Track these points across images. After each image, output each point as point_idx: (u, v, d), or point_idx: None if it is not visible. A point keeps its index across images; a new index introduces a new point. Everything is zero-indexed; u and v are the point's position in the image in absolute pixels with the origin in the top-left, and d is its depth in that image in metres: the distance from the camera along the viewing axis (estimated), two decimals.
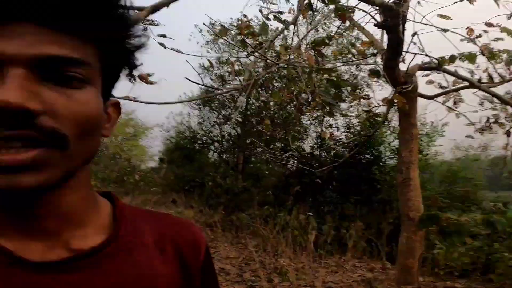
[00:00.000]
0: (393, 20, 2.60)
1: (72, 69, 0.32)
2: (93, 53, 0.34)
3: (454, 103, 3.53)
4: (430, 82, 3.47)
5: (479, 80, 2.95)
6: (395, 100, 2.69)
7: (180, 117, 11.91)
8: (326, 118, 6.99)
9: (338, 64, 4.07)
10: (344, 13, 2.01)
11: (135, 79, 1.72)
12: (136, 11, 1.66)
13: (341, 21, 2.29)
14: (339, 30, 3.07)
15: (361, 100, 3.39)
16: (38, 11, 0.31)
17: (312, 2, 2.10)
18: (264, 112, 8.53)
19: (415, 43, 3.07)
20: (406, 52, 3.13)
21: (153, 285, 0.40)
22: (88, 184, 0.41)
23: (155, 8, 1.64)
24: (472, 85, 2.94)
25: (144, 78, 1.72)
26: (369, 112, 3.18)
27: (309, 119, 7.89)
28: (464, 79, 2.96)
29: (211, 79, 9.74)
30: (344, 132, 6.83)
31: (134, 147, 15.58)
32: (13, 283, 0.34)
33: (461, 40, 3.14)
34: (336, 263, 3.87)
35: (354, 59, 3.84)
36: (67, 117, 0.32)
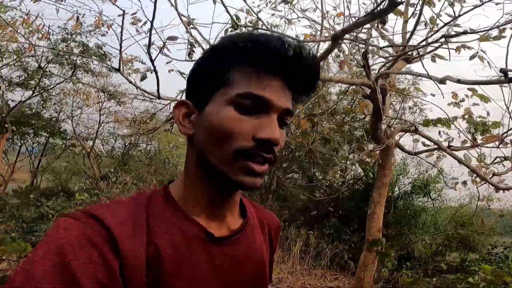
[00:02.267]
0: (374, 94, 3.51)
1: (288, 118, 0.52)
2: None
3: (437, 157, 4.25)
4: (416, 140, 4.26)
5: (449, 145, 3.63)
6: (372, 155, 3.59)
7: None
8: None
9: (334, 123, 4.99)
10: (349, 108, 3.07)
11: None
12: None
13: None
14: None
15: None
16: (293, 79, 0.50)
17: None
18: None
19: (401, 110, 3.91)
20: (394, 118, 3.99)
21: (262, 254, 0.59)
22: None
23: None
24: (439, 147, 3.64)
25: None
26: (361, 161, 4.08)
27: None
28: (434, 142, 3.67)
29: None
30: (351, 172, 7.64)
31: (182, 155, 17.41)
32: (208, 250, 0.50)
33: (448, 104, 3.87)
34: (322, 273, 4.72)
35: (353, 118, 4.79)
36: (279, 147, 0.50)
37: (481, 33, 3.00)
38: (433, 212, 6.31)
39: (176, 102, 0.55)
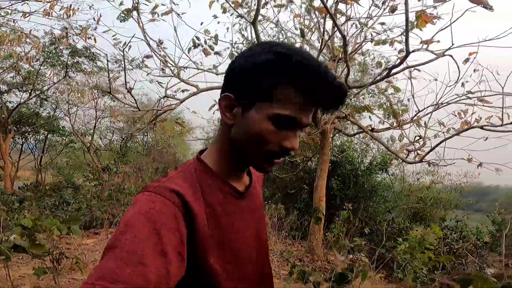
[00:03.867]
0: None
1: (305, 128, 0.64)
2: None
3: (370, 139, 5.11)
4: (353, 124, 5.10)
5: (372, 128, 4.43)
6: (311, 137, 4.45)
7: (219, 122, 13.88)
8: None
9: None
10: None
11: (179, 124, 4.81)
12: (173, 104, 3.82)
13: None
14: None
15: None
16: (328, 104, 0.61)
17: None
18: None
19: None
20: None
21: (261, 199, 0.80)
22: None
23: (182, 101, 3.83)
24: (363, 130, 4.48)
25: (181, 125, 3.94)
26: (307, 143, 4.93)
27: None
28: (359, 125, 4.51)
29: None
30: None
31: (179, 144, 18.13)
32: (238, 203, 0.68)
33: (376, 93, 4.67)
34: (292, 242, 5.69)
35: None
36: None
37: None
38: (390, 187, 7.16)
39: (222, 95, 0.63)
